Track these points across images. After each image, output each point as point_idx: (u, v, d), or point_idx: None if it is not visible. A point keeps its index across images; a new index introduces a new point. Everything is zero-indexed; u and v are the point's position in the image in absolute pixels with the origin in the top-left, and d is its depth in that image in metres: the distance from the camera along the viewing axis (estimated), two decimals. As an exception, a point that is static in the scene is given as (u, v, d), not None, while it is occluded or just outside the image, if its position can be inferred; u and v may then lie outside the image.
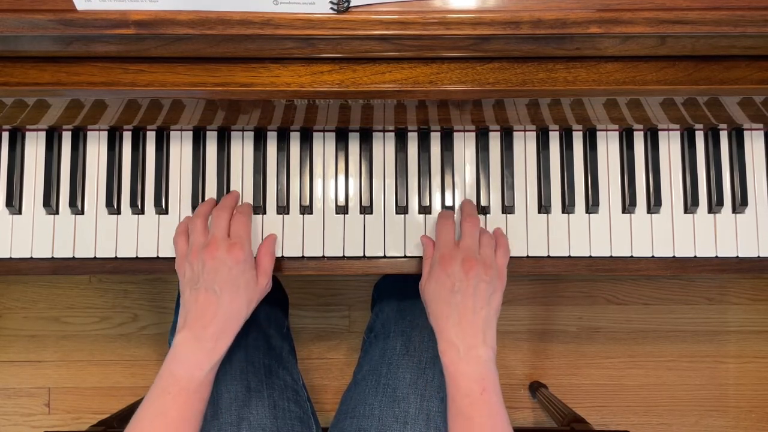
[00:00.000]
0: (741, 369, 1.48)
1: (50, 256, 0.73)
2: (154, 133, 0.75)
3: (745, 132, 0.75)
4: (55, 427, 1.44)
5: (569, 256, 0.74)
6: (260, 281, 0.68)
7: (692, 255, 0.74)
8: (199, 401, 0.62)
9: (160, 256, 0.74)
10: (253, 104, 0.66)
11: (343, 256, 0.74)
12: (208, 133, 0.75)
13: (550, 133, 0.75)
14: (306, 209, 0.74)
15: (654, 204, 0.74)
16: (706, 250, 0.74)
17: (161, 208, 0.74)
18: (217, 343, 0.63)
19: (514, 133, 0.75)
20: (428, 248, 0.71)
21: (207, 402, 0.64)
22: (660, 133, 0.75)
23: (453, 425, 0.62)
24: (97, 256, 0.74)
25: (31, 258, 0.74)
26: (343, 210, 0.74)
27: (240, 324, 0.65)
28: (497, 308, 0.66)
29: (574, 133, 0.75)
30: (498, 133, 0.75)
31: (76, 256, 0.74)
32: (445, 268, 0.64)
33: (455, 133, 0.75)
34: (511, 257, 0.73)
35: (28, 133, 0.75)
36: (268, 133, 0.75)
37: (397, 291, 0.89)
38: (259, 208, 0.74)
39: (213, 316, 0.62)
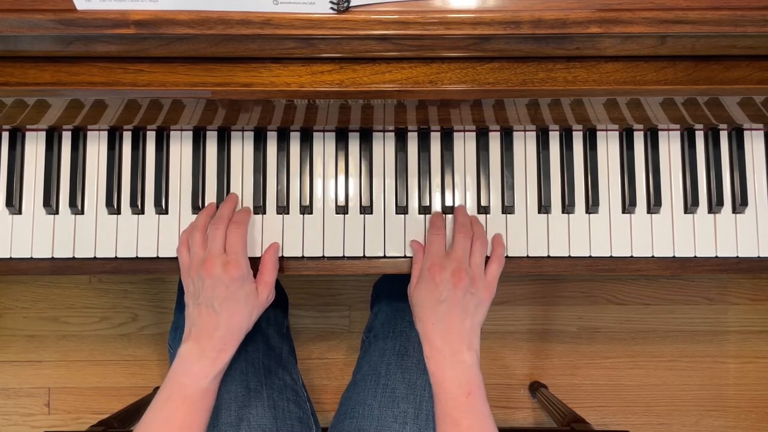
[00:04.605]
0: (741, 369, 1.48)
1: (50, 256, 0.73)
2: (154, 133, 0.75)
3: (745, 132, 0.75)
4: (55, 427, 1.44)
5: (569, 256, 0.74)
6: (261, 294, 0.68)
7: (692, 255, 0.74)
8: (204, 410, 0.64)
9: (160, 256, 0.74)
10: (253, 104, 0.66)
11: (343, 256, 0.74)
12: (208, 133, 0.75)
13: (550, 133, 0.75)
14: (306, 209, 0.74)
15: (654, 204, 0.74)
16: (706, 250, 0.74)
17: (161, 208, 0.74)
18: (219, 354, 0.64)
19: (514, 133, 0.75)
20: (418, 253, 0.71)
21: (211, 411, 0.65)
22: (660, 133, 0.75)
23: (441, 428, 0.63)
24: (97, 256, 0.74)
25: (31, 258, 0.74)
26: (343, 210, 0.74)
27: (242, 335, 0.67)
28: (482, 319, 0.68)
29: (574, 133, 0.75)
30: (498, 133, 0.75)
31: (76, 256, 0.74)
32: (434, 277, 0.66)
33: (455, 133, 0.75)
34: (511, 257, 0.73)
35: (28, 133, 0.75)
36: (268, 133, 0.75)
37: (396, 291, 0.89)
38: (259, 208, 0.74)
39: (215, 330, 0.64)
